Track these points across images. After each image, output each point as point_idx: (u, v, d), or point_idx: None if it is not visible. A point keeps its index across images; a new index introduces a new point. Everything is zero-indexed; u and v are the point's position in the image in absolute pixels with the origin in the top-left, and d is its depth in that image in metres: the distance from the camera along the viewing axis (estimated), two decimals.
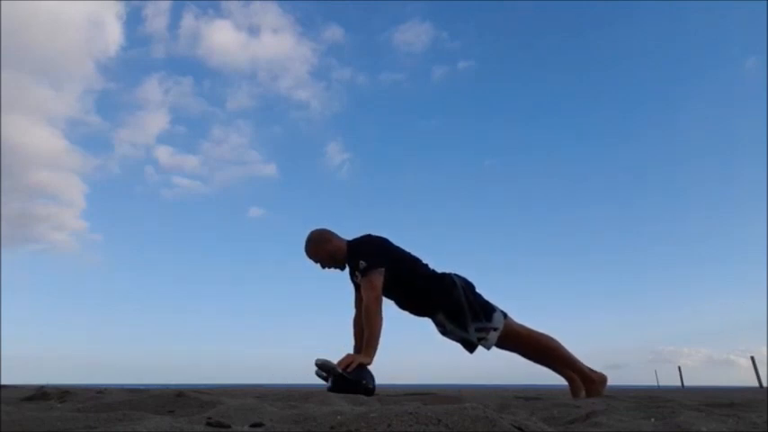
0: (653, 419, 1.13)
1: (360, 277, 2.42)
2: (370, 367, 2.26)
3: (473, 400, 1.72)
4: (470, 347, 2.48)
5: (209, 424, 0.92)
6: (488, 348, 2.46)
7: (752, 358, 14.20)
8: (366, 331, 2.30)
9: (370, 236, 2.59)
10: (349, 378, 2.13)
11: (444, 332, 2.54)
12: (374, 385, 2.21)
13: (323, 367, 2.22)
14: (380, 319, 2.31)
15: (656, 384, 20.34)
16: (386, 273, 2.41)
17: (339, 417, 0.94)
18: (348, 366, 2.16)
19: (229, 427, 0.92)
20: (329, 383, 2.17)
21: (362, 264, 2.40)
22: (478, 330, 2.42)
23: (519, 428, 0.82)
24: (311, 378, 2.29)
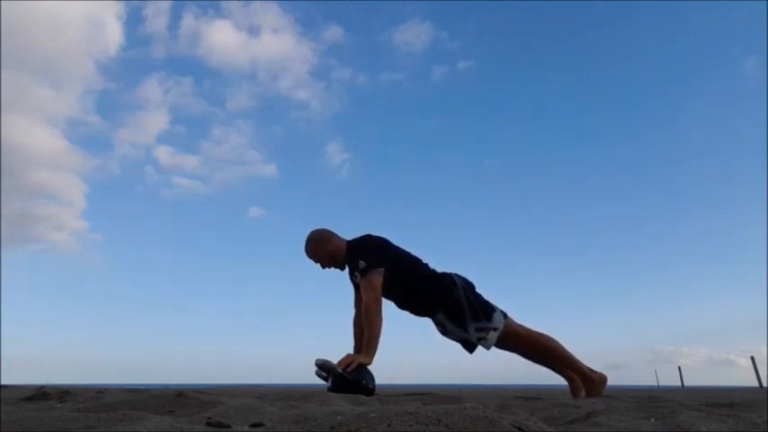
0: (653, 419, 1.13)
1: (359, 277, 2.42)
2: (370, 367, 2.26)
3: (473, 400, 1.72)
4: (470, 347, 2.48)
5: (209, 424, 0.92)
6: (488, 348, 2.46)
7: (752, 358, 14.22)
8: (366, 331, 2.30)
9: (369, 236, 2.59)
10: (349, 378, 2.13)
11: (444, 332, 2.54)
12: (374, 385, 2.21)
13: (323, 367, 2.23)
14: (380, 319, 2.31)
15: (656, 384, 20.36)
16: (385, 273, 2.41)
17: (339, 417, 0.94)
18: (348, 366, 2.16)
19: (229, 427, 0.92)
20: (329, 383, 2.17)
21: (362, 264, 2.40)
22: (478, 330, 2.42)
23: (519, 428, 0.82)
24: (311, 378, 2.29)
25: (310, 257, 2.65)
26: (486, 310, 2.46)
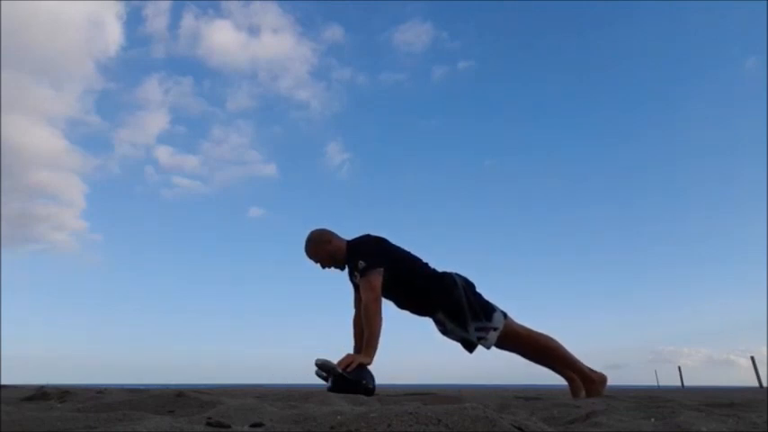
0: (653, 419, 1.13)
1: (359, 277, 2.42)
2: (370, 367, 2.26)
3: (473, 400, 1.72)
4: (470, 347, 2.48)
5: (209, 424, 0.92)
6: (488, 348, 2.47)
7: (752, 358, 14.22)
8: (366, 331, 2.30)
9: (369, 236, 2.59)
10: (349, 378, 2.13)
11: (444, 331, 2.55)
12: (374, 385, 2.21)
13: (323, 367, 2.23)
14: (380, 319, 2.31)
15: (656, 384, 20.35)
16: (385, 273, 2.41)
17: (339, 417, 0.94)
18: (348, 366, 2.16)
19: (229, 427, 0.92)
20: (329, 383, 2.17)
21: (362, 264, 2.40)
22: (478, 330, 2.42)
23: (519, 428, 0.82)
24: (311, 378, 2.29)
25: (310, 257, 2.65)
26: (486, 309, 2.46)
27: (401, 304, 2.61)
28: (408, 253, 2.61)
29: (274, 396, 1.74)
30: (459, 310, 2.43)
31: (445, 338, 2.56)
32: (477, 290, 2.55)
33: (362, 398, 1.76)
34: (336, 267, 2.65)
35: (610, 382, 2.53)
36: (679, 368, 18.01)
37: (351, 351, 2.58)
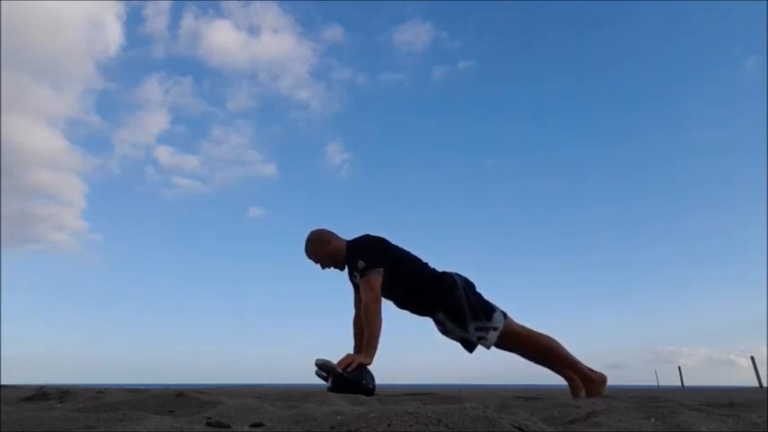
0: (653, 419, 1.13)
1: (359, 277, 2.42)
2: (370, 367, 2.26)
3: (473, 400, 1.72)
4: (470, 347, 2.48)
5: (209, 424, 0.92)
6: (488, 348, 2.47)
7: (752, 358, 14.22)
8: (366, 331, 2.30)
9: (368, 236, 2.59)
10: (349, 378, 2.13)
11: (444, 331, 2.55)
12: (374, 385, 2.21)
13: (323, 367, 2.23)
14: (380, 319, 2.31)
15: (656, 384, 20.35)
16: (385, 272, 2.41)
17: (339, 417, 0.94)
18: (348, 366, 2.16)
19: (229, 427, 0.92)
20: (329, 383, 2.17)
21: (361, 264, 2.40)
22: (478, 330, 2.42)
23: (519, 428, 0.82)
24: (311, 378, 2.29)
25: (310, 258, 2.65)
26: (486, 309, 2.46)
27: (401, 304, 2.61)
28: (408, 253, 2.61)
29: (274, 396, 1.74)
30: (459, 309, 2.43)
31: (445, 338, 2.56)
32: (477, 290, 2.55)
33: (362, 398, 1.76)
34: (336, 267, 2.65)
35: (610, 382, 2.53)
36: (679, 368, 18.03)
37: (351, 351, 2.58)
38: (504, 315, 2.49)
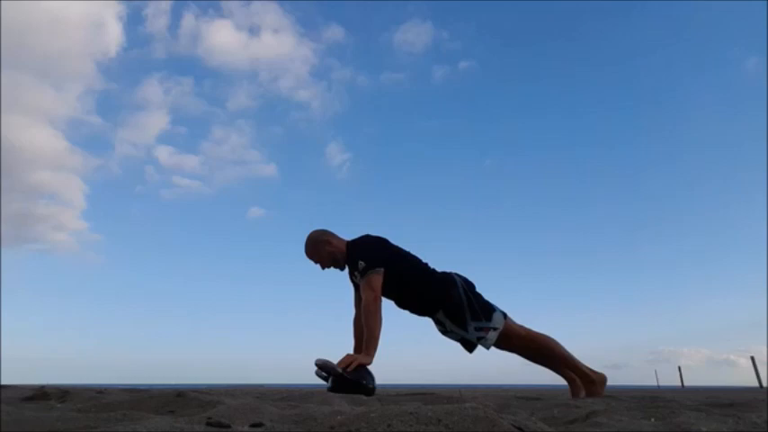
0: (653, 419, 1.13)
1: (359, 277, 2.42)
2: (370, 367, 2.26)
3: (473, 400, 1.72)
4: (470, 347, 2.48)
5: (209, 424, 0.92)
6: (488, 348, 2.47)
7: (752, 358, 14.20)
8: (366, 331, 2.30)
9: (368, 236, 2.60)
10: (349, 378, 2.13)
11: (444, 331, 2.55)
12: (374, 385, 2.21)
13: (323, 367, 2.23)
14: (380, 319, 2.31)
15: (656, 384, 20.34)
16: (385, 273, 2.41)
17: (339, 417, 0.94)
18: (348, 366, 2.16)
19: (229, 427, 0.92)
20: (329, 383, 2.17)
21: (361, 264, 2.40)
22: (478, 330, 2.42)
23: (519, 428, 0.82)
24: (311, 378, 2.29)
25: (310, 258, 2.65)
26: (486, 309, 2.46)
27: (401, 304, 2.61)
28: (408, 253, 2.61)
29: (274, 396, 1.74)
30: (459, 309, 2.43)
31: (445, 338, 2.56)
32: (477, 290, 2.55)
33: (362, 398, 1.76)
34: (336, 268, 2.65)
35: (610, 382, 2.53)
36: (679, 368, 18.01)
37: (351, 351, 2.59)
38: (504, 315, 2.49)
